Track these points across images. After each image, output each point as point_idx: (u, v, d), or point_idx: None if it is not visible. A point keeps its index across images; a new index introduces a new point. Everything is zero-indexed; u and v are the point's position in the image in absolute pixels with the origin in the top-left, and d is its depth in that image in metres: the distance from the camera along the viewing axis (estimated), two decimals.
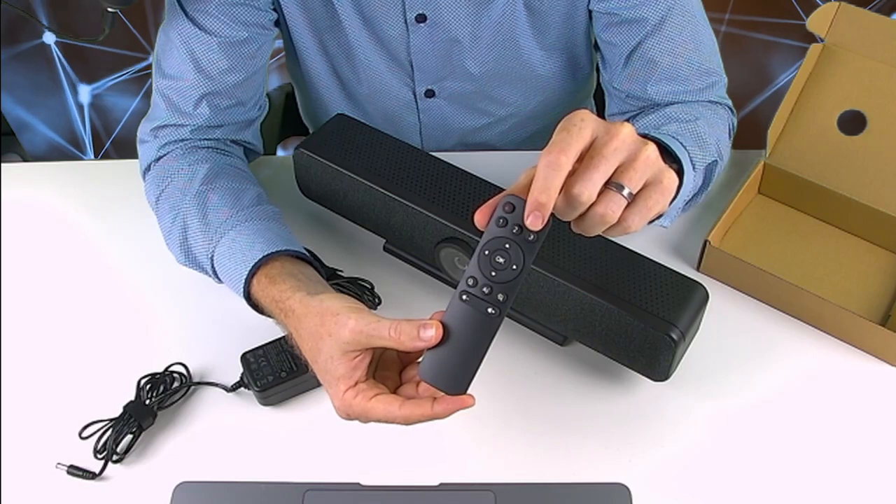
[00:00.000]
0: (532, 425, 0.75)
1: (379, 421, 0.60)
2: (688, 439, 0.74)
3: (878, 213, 0.86)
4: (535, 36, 0.92)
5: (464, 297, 0.56)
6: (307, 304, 0.65)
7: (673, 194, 0.56)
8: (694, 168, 0.75)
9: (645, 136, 0.71)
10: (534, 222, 0.51)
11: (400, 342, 0.57)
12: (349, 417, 0.61)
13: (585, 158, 0.52)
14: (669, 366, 0.70)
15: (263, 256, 0.73)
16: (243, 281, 0.73)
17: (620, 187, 0.53)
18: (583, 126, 0.52)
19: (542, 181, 0.51)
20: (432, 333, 0.56)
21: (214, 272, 0.79)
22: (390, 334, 0.57)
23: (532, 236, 0.54)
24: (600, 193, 0.53)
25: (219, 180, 0.82)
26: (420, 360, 0.58)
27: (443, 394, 0.57)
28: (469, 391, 0.57)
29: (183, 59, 0.84)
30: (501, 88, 0.99)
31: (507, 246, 0.54)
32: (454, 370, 0.56)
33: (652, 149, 0.54)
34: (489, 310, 0.55)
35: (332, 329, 0.60)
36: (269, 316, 0.73)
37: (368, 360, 0.61)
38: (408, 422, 0.59)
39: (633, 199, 0.54)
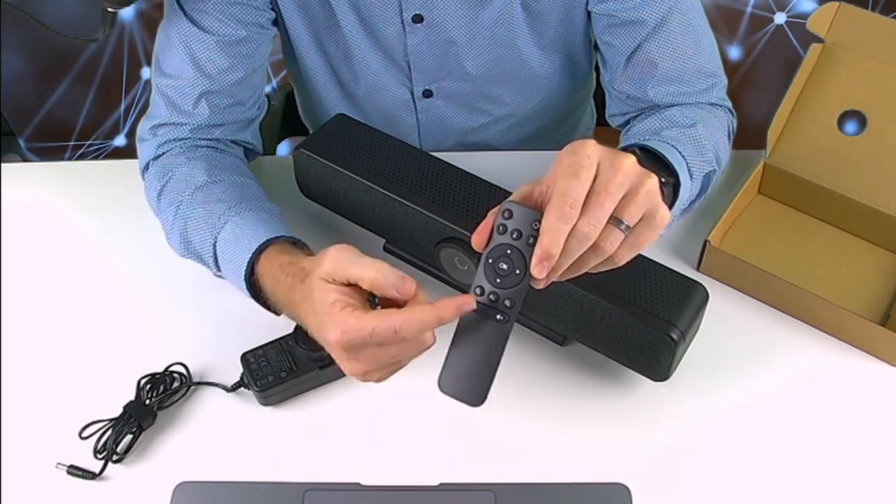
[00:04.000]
0: (532, 425, 0.75)
1: (377, 339, 0.56)
2: (688, 439, 0.74)
3: (878, 213, 0.86)
4: (532, 36, 0.92)
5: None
6: (314, 259, 0.64)
7: (662, 230, 0.57)
8: (691, 177, 0.76)
9: (643, 146, 0.72)
10: (541, 271, 0.52)
11: (376, 279, 0.56)
12: (348, 347, 0.57)
13: (592, 194, 0.53)
14: (669, 366, 0.70)
15: (269, 239, 0.73)
16: (250, 254, 0.72)
17: (619, 222, 0.54)
18: (590, 166, 0.53)
19: (554, 234, 0.52)
20: (411, 288, 0.56)
21: (215, 259, 0.78)
22: (369, 265, 0.57)
23: (532, 240, 0.54)
24: None
25: (221, 174, 0.82)
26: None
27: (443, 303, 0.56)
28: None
29: (182, 57, 0.85)
30: (499, 88, 0.99)
31: (509, 252, 0.55)
32: (472, 381, 0.56)
33: (653, 182, 0.55)
34: (498, 316, 0.56)
35: (317, 263, 0.60)
36: (267, 299, 0.72)
37: (359, 298, 0.59)
38: (407, 330, 0.55)
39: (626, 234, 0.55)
